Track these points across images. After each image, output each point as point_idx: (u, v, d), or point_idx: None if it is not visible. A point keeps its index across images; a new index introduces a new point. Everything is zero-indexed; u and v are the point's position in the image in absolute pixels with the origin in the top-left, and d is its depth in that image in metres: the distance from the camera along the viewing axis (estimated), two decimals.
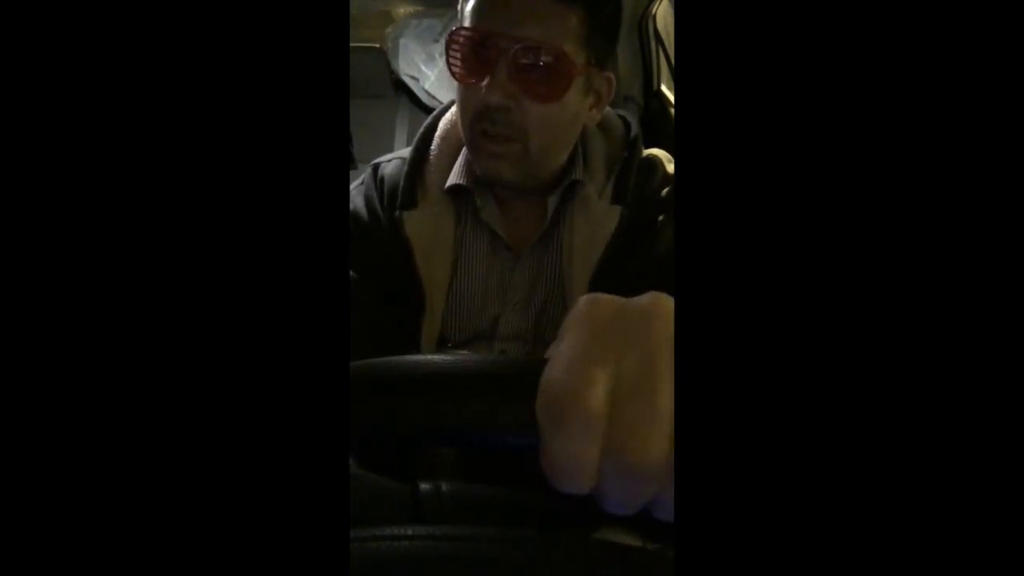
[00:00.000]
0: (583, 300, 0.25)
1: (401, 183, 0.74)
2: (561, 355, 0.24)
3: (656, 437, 0.22)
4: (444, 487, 0.35)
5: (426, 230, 0.72)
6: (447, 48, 0.68)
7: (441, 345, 0.73)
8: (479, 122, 0.66)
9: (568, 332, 0.24)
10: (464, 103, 0.68)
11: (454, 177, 0.74)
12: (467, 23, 0.66)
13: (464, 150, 0.75)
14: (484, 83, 0.64)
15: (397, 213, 0.72)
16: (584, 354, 0.23)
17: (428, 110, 0.84)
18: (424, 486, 0.35)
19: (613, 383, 0.23)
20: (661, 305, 0.24)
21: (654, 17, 1.81)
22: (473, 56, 0.65)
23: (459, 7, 0.70)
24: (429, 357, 0.26)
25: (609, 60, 0.72)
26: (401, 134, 2.41)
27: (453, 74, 0.68)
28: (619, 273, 0.68)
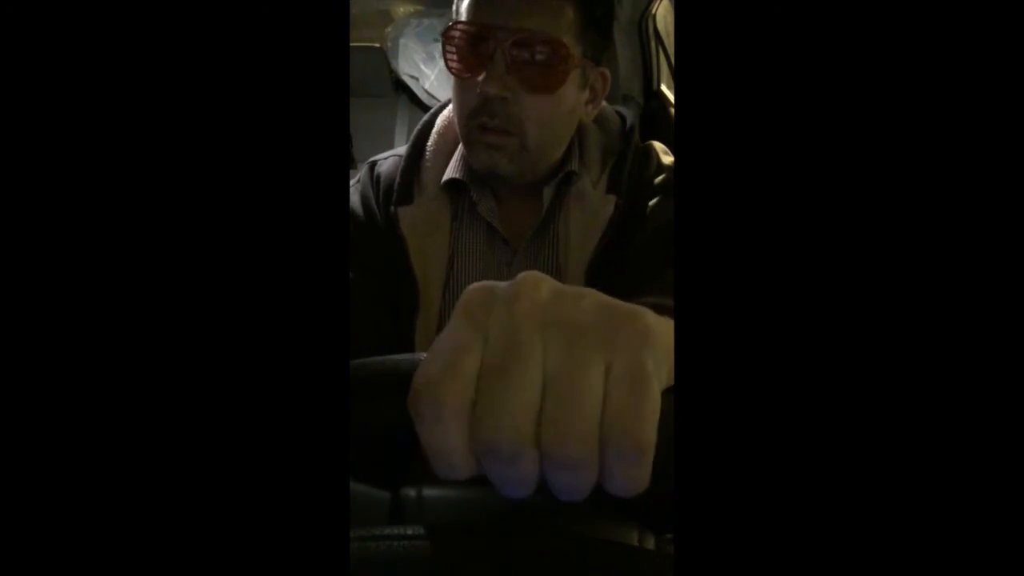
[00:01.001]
0: (466, 289, 0.25)
1: (397, 179, 0.74)
2: (434, 345, 0.24)
3: (512, 412, 0.22)
4: (425, 492, 0.35)
5: (422, 226, 0.72)
6: (444, 43, 0.68)
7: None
8: (477, 116, 0.67)
9: (449, 321, 0.24)
10: (461, 97, 0.68)
11: (451, 172, 0.74)
12: (463, 17, 0.67)
13: (461, 146, 0.75)
14: (481, 76, 0.65)
15: (393, 209, 0.72)
16: (447, 341, 0.23)
17: (428, 110, 0.84)
18: (407, 492, 0.35)
19: (476, 366, 0.23)
20: (525, 282, 0.24)
21: (654, 17, 1.81)
22: (470, 49, 0.66)
23: (455, 3, 0.70)
24: (409, 356, 0.26)
25: (604, 56, 0.72)
26: (401, 134, 2.40)
27: (450, 68, 0.68)
28: (615, 262, 0.68)
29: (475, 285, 0.25)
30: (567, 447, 0.22)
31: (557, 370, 0.22)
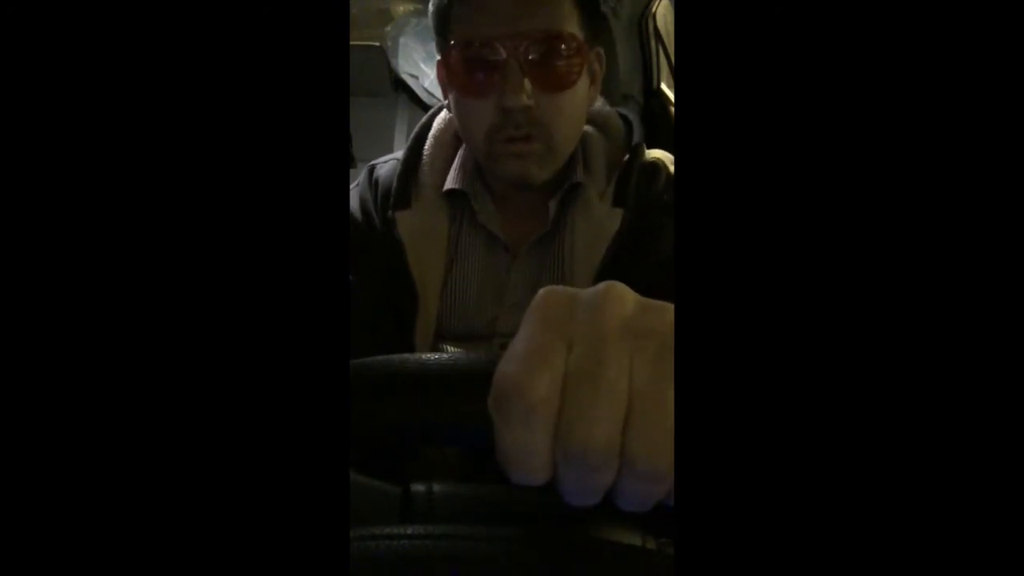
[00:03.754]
0: (540, 292, 0.25)
1: (394, 184, 0.73)
2: (511, 348, 0.24)
3: (603, 421, 0.22)
4: (436, 489, 0.35)
5: (420, 230, 0.72)
6: (445, 64, 0.67)
7: (436, 344, 0.73)
8: (501, 130, 0.65)
9: (523, 325, 0.24)
10: (475, 116, 0.66)
11: (450, 182, 0.73)
12: (459, 33, 0.65)
13: (460, 153, 0.75)
14: (496, 89, 0.63)
15: (390, 214, 0.72)
16: (531, 345, 0.23)
17: (428, 109, 0.84)
18: (417, 487, 0.35)
19: (562, 372, 0.23)
20: (612, 292, 0.24)
21: (654, 16, 1.81)
22: (478, 66, 0.64)
23: (436, 25, 0.68)
24: (441, 355, 0.26)
25: (598, 36, 0.71)
26: (401, 133, 2.40)
27: (459, 91, 0.66)
28: (621, 276, 0.67)
29: (549, 290, 0.25)
30: (655, 459, 0.22)
31: (645, 382, 0.22)
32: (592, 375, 0.22)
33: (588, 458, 0.22)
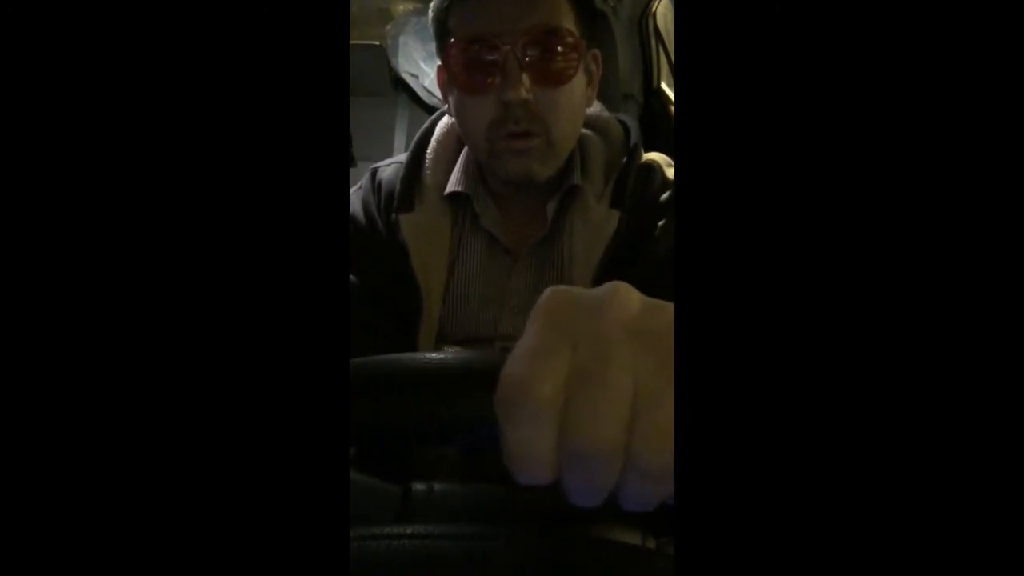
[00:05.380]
0: (545, 292, 0.25)
1: (397, 187, 0.74)
2: (517, 348, 0.24)
3: (608, 420, 0.22)
4: (437, 487, 0.35)
5: (423, 233, 0.72)
6: (445, 65, 0.68)
7: (438, 347, 0.73)
8: (501, 125, 0.66)
9: (528, 325, 0.24)
10: (475, 112, 0.68)
11: (452, 184, 0.74)
12: (458, 34, 0.66)
13: (462, 156, 0.75)
14: (496, 86, 0.64)
15: (393, 216, 0.72)
16: (536, 344, 0.23)
17: (428, 108, 0.85)
18: (418, 486, 0.35)
19: (567, 371, 0.23)
20: (617, 292, 0.24)
21: (654, 15, 1.81)
22: (478, 62, 0.65)
23: (434, 26, 0.69)
24: (411, 355, 0.27)
25: (595, 36, 0.72)
26: (401, 132, 2.40)
27: (460, 89, 0.67)
28: (619, 276, 0.67)
29: (554, 290, 0.25)
30: (660, 459, 0.22)
31: (649, 381, 0.22)
32: (597, 375, 0.22)
33: (593, 457, 0.22)
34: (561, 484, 0.23)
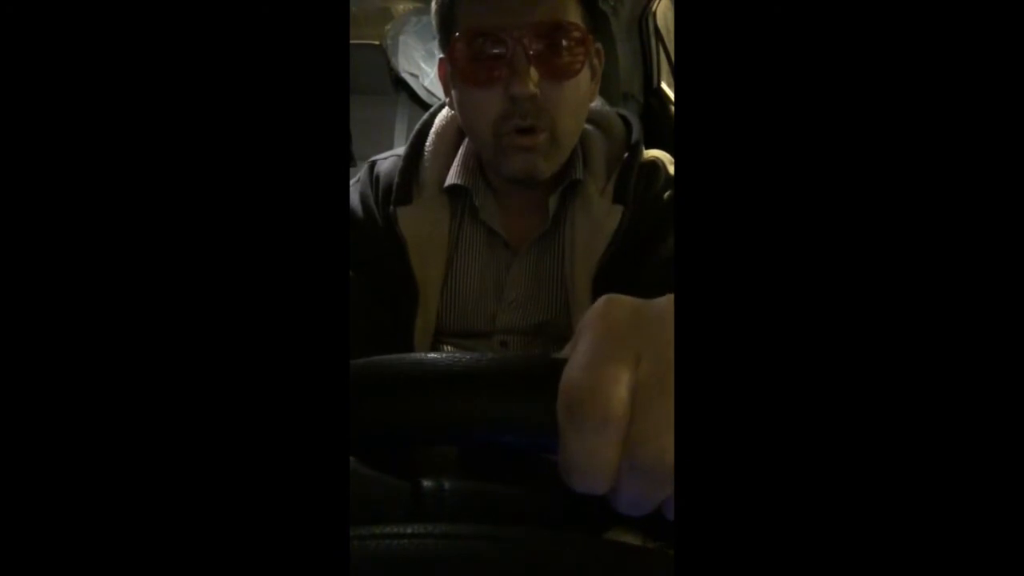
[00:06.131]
0: (601, 300, 0.25)
1: (396, 179, 0.73)
2: (579, 355, 0.23)
3: (674, 435, 0.22)
4: (447, 484, 0.35)
5: (421, 226, 0.72)
6: (450, 58, 0.67)
7: (436, 341, 0.73)
8: (508, 120, 0.65)
9: (585, 331, 0.24)
10: (481, 107, 0.67)
11: (452, 177, 0.73)
12: (464, 26, 0.65)
13: (462, 149, 0.75)
14: (502, 79, 0.64)
15: (392, 209, 0.72)
16: (603, 354, 0.23)
17: (427, 107, 0.84)
18: (427, 483, 0.35)
19: (633, 383, 0.22)
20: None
21: (654, 14, 1.81)
22: (484, 55, 0.65)
23: (438, 20, 0.69)
24: (442, 355, 0.26)
25: (599, 30, 0.72)
26: (400, 131, 2.40)
27: (465, 83, 0.66)
28: (621, 272, 0.68)
29: (611, 299, 0.25)
30: None
31: None
32: (664, 388, 0.22)
33: (658, 472, 0.22)
34: (615, 494, 0.23)
